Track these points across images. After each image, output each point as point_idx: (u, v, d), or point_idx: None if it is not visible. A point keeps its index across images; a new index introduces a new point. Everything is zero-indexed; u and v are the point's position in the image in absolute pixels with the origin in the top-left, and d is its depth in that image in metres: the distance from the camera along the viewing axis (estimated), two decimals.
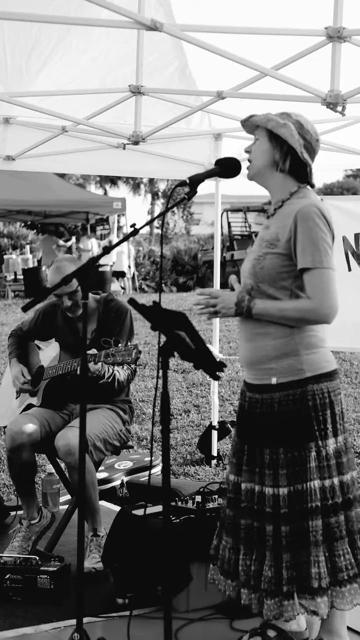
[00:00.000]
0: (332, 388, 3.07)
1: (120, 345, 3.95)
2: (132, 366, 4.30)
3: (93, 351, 4.00)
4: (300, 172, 3.11)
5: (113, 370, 4.12)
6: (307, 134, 3.09)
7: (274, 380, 3.05)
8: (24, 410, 4.43)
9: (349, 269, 5.25)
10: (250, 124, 3.17)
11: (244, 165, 3.21)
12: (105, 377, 4.09)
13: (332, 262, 2.99)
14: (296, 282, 3.04)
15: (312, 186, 3.17)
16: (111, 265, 20.66)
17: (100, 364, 4.00)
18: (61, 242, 21.41)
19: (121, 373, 4.21)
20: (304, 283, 2.99)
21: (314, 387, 3.03)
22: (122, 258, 21.00)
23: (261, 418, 3.09)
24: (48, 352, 4.50)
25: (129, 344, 3.95)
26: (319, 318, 2.98)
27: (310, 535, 2.98)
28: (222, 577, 3.19)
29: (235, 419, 3.36)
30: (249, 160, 3.16)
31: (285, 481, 3.00)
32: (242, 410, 3.22)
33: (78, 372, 4.10)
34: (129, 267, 21.33)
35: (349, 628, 3.38)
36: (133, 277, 21.48)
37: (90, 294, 4.33)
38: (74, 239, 23.00)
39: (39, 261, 22.50)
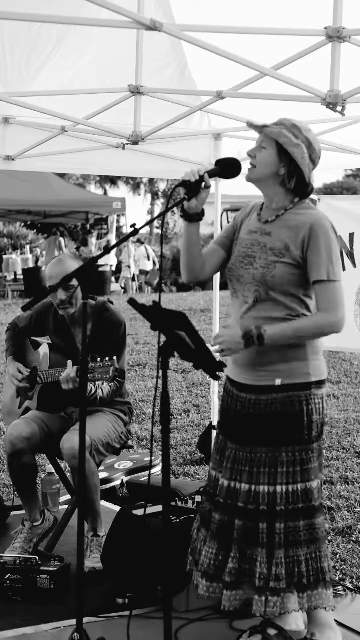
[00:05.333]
0: (326, 395, 3.19)
1: (98, 361, 3.89)
2: (115, 381, 4.23)
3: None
4: (302, 190, 3.16)
5: (96, 390, 4.10)
6: (314, 153, 3.13)
7: (278, 382, 3.09)
8: (23, 413, 4.44)
9: (344, 269, 5.26)
10: (254, 126, 3.18)
11: (245, 165, 3.22)
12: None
13: (342, 275, 3.09)
14: (304, 290, 3.10)
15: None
16: (111, 266, 20.68)
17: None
18: (65, 250, 21.43)
19: (104, 390, 4.17)
20: (317, 294, 3.04)
21: (316, 392, 3.12)
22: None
23: (259, 418, 3.12)
24: (43, 350, 4.47)
25: (106, 360, 3.88)
26: (335, 329, 3.05)
27: (317, 532, 3.09)
28: (208, 583, 3.20)
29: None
30: (252, 164, 3.16)
31: (284, 479, 3.06)
32: (229, 410, 3.24)
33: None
34: (129, 267, 21.35)
35: (349, 628, 3.39)
36: (133, 277, 21.49)
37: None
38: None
39: (36, 262, 22.51)
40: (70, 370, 4.02)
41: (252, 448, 3.12)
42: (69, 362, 4.06)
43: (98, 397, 4.14)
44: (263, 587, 3.04)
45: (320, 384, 3.15)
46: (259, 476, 3.08)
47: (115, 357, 3.92)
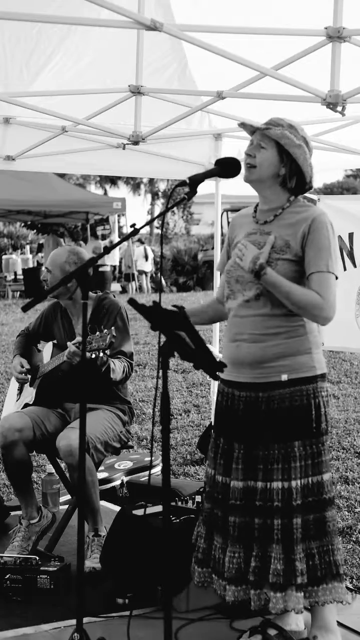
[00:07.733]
0: (327, 388, 3.22)
1: (97, 332, 3.93)
2: (125, 359, 4.26)
3: (78, 339, 4.04)
4: (301, 188, 3.21)
5: (107, 360, 4.07)
6: (310, 151, 3.20)
7: (284, 377, 3.11)
8: (22, 409, 4.44)
9: (344, 269, 5.27)
10: (254, 128, 3.20)
11: (244, 165, 3.22)
12: (99, 363, 3.98)
13: (339, 273, 3.15)
14: (305, 287, 3.11)
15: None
16: (112, 266, 20.68)
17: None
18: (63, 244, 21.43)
19: (117, 364, 4.15)
20: (312, 283, 3.06)
21: (322, 384, 3.16)
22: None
23: (269, 415, 3.12)
24: (46, 352, 4.52)
25: (104, 330, 3.92)
26: (321, 315, 3.06)
27: (327, 525, 3.09)
28: (216, 578, 3.22)
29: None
30: (250, 164, 3.17)
31: (298, 474, 3.06)
32: (230, 412, 3.23)
33: (64, 363, 4.11)
34: (129, 266, 21.35)
35: (348, 628, 3.39)
36: (119, 278, 21.56)
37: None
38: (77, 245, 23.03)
39: (39, 263, 22.49)
40: (70, 346, 4.05)
41: (264, 446, 3.11)
42: (69, 343, 4.09)
43: (111, 368, 4.09)
44: (281, 584, 3.02)
45: (323, 377, 3.19)
46: (273, 473, 3.08)
47: (112, 327, 3.94)
